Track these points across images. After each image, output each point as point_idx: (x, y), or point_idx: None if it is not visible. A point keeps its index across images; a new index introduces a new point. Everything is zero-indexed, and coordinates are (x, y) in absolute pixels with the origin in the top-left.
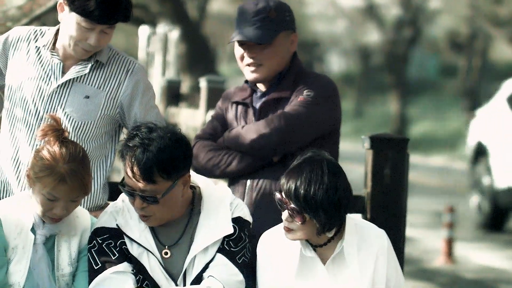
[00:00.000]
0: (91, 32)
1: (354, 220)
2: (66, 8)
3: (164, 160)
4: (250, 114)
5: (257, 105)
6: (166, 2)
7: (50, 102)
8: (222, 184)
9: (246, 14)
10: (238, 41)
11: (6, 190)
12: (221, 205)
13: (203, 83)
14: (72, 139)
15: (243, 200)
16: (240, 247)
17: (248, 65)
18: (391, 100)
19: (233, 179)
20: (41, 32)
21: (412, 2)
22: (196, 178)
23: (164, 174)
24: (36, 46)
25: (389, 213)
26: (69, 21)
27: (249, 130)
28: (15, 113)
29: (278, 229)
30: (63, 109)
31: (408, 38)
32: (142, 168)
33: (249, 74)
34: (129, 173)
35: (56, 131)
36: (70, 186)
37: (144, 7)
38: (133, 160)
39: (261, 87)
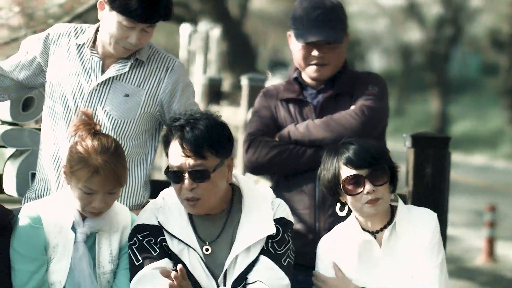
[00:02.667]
0: (132, 31)
1: (404, 205)
2: (107, 7)
3: (212, 136)
4: (307, 110)
5: (314, 101)
6: (208, 0)
7: (90, 100)
8: (263, 183)
9: (313, 14)
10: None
11: (47, 188)
12: (263, 203)
13: (244, 81)
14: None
15: (315, 193)
16: (284, 249)
17: (314, 64)
18: (432, 99)
19: (298, 178)
20: (82, 30)
21: (453, 1)
22: (236, 176)
23: (213, 149)
24: (77, 43)
25: None
26: (110, 20)
27: (328, 123)
28: (56, 110)
29: (335, 229)
30: (103, 107)
31: (449, 37)
32: (192, 143)
33: (313, 73)
34: (179, 151)
35: (88, 125)
36: (104, 177)
37: (186, 5)
38: (183, 137)
39: (312, 84)
